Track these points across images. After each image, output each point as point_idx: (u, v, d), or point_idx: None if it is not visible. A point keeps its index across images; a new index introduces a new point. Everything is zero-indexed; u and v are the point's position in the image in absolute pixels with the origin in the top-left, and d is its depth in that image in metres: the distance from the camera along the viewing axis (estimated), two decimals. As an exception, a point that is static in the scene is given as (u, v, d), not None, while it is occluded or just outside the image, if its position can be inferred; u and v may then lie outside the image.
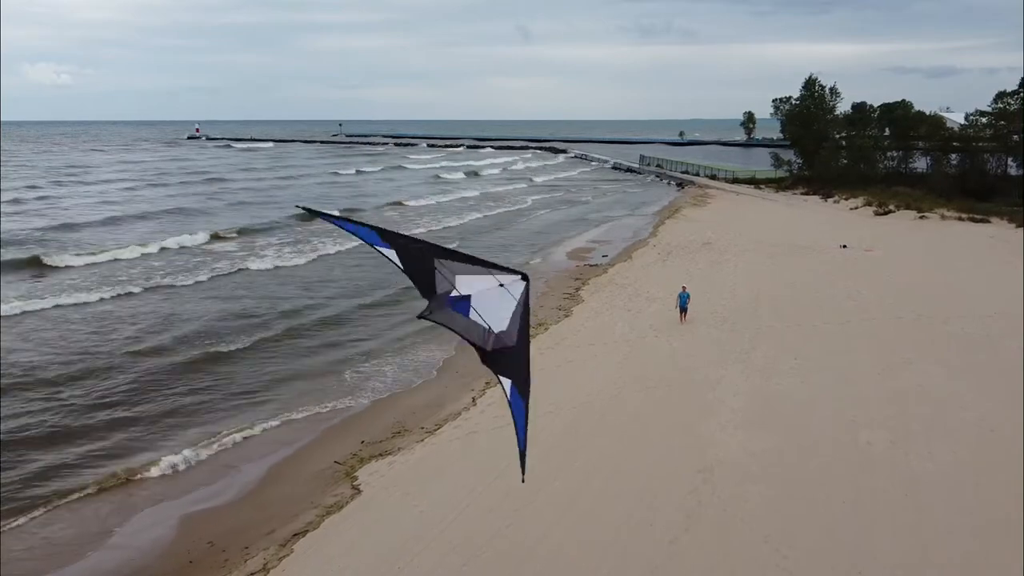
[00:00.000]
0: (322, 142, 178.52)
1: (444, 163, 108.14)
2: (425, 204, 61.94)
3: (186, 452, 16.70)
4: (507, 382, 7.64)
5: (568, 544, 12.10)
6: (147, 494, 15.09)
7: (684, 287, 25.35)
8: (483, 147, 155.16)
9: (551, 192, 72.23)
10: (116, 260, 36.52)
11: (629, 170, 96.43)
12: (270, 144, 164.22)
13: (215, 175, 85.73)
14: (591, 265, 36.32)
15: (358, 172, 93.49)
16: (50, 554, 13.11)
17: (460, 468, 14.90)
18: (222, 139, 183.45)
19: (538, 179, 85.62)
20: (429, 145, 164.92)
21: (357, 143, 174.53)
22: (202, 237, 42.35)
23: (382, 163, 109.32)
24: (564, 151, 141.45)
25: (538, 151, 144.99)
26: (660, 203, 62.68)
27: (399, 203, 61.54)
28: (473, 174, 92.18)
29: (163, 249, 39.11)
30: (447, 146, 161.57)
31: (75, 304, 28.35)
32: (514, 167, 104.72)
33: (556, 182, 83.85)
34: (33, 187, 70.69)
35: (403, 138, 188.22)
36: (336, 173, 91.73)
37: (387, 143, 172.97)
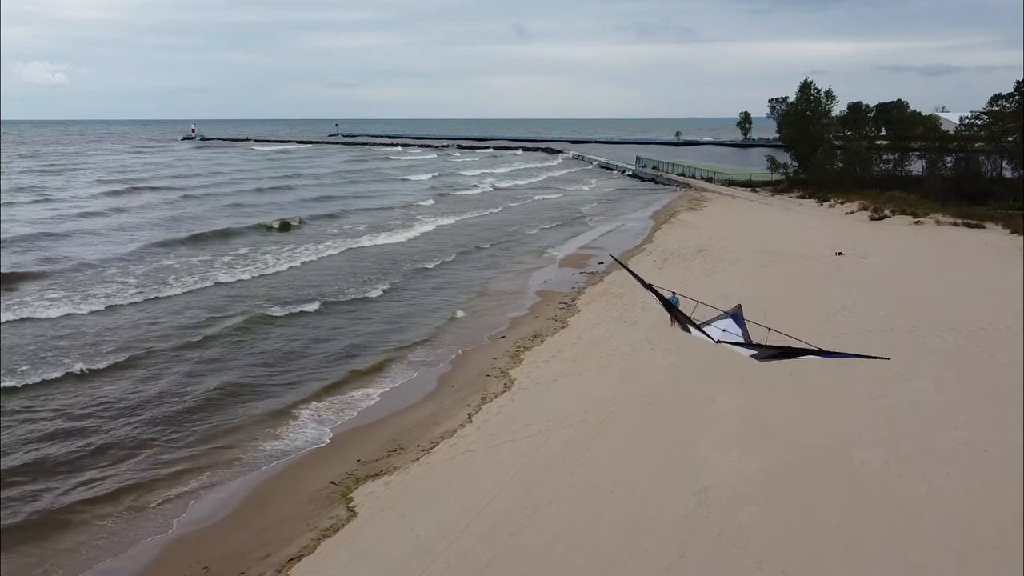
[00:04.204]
0: (343, 143, 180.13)
1: (494, 169, 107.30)
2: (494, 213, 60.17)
3: (180, 468, 16.80)
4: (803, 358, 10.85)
5: (563, 570, 12.16)
6: (142, 515, 15.12)
7: (674, 292, 26.00)
8: (514, 148, 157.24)
9: (598, 203, 68.58)
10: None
11: (635, 175, 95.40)
12: (308, 146, 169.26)
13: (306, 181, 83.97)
14: (587, 273, 36.36)
15: (433, 176, 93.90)
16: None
17: (456, 490, 14.94)
18: (242, 140, 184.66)
19: (586, 187, 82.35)
20: (459, 147, 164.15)
21: (379, 144, 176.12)
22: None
23: (436, 167, 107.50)
24: (562, 151, 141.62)
25: (544, 152, 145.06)
26: (656, 206, 62.78)
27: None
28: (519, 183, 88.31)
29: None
30: (473, 147, 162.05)
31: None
32: (553, 174, 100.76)
33: (592, 192, 78.79)
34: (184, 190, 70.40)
35: (427, 139, 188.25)
36: (406, 180, 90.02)
37: (411, 144, 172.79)
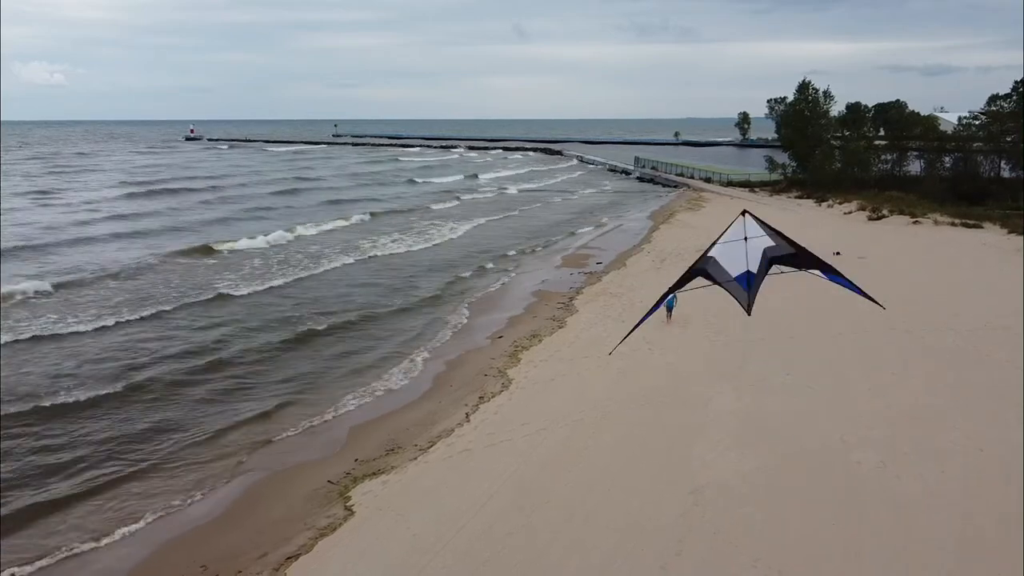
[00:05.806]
0: (351, 144, 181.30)
1: (508, 171, 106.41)
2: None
3: (178, 470, 16.83)
4: (817, 272, 9.96)
5: (561, 569, 12.17)
6: (139, 515, 15.13)
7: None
8: (521, 149, 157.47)
9: (605, 203, 67.90)
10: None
11: (635, 176, 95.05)
12: (322, 147, 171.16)
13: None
14: (586, 273, 36.37)
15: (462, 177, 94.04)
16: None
17: (453, 489, 14.95)
18: (248, 141, 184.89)
19: (595, 189, 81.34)
20: (470, 148, 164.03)
21: (388, 145, 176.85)
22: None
23: (454, 169, 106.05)
24: (560, 152, 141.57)
25: (545, 153, 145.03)
26: (655, 206, 62.75)
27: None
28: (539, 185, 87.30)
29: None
30: (483, 148, 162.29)
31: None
32: (563, 176, 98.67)
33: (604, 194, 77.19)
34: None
35: (432, 139, 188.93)
36: (426, 182, 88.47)
37: (422, 145, 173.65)
